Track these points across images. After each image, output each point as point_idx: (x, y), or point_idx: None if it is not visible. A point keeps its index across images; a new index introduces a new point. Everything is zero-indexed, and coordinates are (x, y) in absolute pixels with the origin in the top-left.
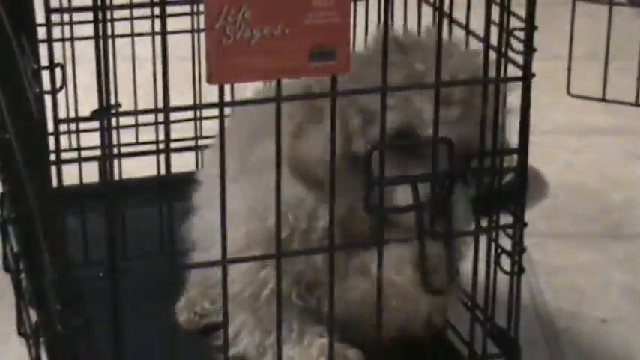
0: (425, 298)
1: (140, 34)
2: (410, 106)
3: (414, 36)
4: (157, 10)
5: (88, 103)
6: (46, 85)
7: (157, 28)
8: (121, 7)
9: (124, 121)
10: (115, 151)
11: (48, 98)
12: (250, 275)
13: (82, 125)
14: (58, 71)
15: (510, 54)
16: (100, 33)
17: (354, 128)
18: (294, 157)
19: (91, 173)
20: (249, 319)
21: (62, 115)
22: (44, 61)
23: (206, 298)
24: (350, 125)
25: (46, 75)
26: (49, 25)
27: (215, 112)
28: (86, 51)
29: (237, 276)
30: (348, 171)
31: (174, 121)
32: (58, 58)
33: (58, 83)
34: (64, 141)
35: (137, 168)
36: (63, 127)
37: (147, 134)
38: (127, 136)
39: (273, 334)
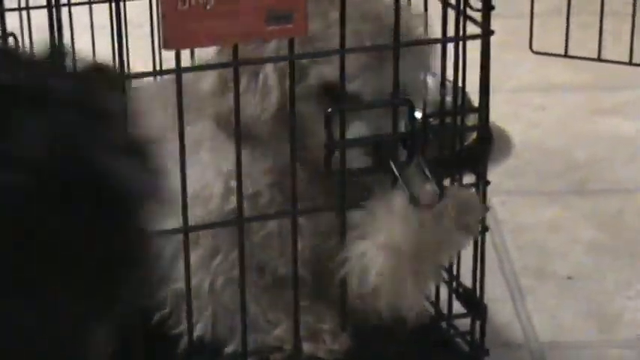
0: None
1: (97, 2)
2: (334, 60)
3: None
4: None
5: None
6: None
7: None
8: None
9: None
10: None
11: None
12: (204, 267)
13: None
14: (10, 41)
15: (469, 12)
16: (53, 2)
17: (271, 83)
18: (220, 112)
19: None
20: (212, 309)
21: None
22: None
23: None
24: (267, 80)
25: None
26: None
27: None
28: (43, 20)
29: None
30: (279, 127)
31: None
32: (13, 27)
33: None
34: None
35: None
36: None
37: None
38: None
39: (237, 317)
